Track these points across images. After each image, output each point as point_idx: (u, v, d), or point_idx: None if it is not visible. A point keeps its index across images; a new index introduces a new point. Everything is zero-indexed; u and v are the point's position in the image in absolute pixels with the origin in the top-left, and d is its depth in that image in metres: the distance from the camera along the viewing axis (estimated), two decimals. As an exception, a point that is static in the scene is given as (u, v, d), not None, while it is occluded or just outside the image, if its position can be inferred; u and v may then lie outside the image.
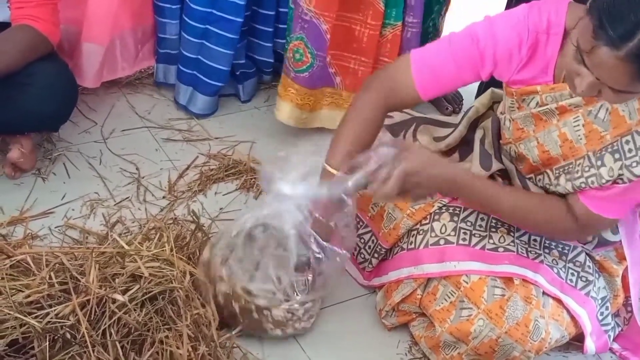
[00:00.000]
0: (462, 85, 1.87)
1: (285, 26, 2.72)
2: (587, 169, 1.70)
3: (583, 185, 1.71)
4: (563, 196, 1.81)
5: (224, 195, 2.41)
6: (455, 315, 1.86)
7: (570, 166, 1.75)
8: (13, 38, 2.15)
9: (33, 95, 2.18)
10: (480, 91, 2.73)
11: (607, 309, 1.97)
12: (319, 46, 2.49)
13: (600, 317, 1.96)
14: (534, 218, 1.80)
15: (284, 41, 2.80)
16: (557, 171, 1.79)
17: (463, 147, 2.12)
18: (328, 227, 1.87)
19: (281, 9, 2.77)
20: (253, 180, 2.47)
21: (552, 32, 1.70)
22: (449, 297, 1.89)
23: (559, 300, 1.87)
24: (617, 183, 1.66)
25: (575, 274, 1.90)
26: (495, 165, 1.98)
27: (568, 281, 1.89)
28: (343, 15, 2.51)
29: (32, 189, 2.29)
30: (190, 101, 2.76)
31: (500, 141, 1.98)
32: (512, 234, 1.91)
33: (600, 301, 1.94)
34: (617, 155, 1.65)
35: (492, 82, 1.93)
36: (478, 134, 2.06)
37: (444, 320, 1.87)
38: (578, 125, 1.71)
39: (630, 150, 1.63)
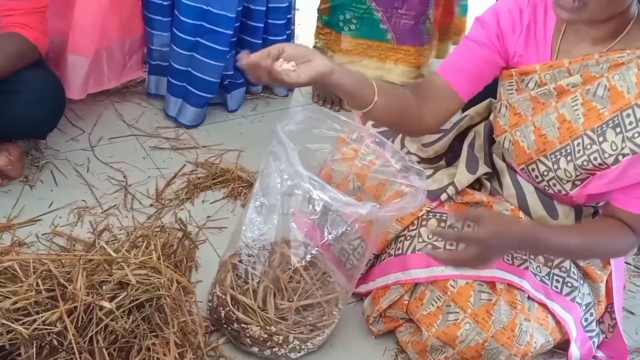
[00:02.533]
0: (490, 76, 1.89)
1: (275, 38, 2.79)
2: (588, 146, 1.71)
3: (585, 163, 1.73)
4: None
5: (211, 203, 2.42)
6: (442, 319, 1.87)
7: (568, 147, 1.76)
8: (1, 45, 2.15)
9: (21, 103, 2.18)
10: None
11: (591, 315, 1.98)
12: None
13: (585, 323, 1.97)
14: (602, 249, 1.83)
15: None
16: (552, 156, 1.80)
17: (449, 153, 2.15)
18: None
19: (270, 21, 2.78)
20: (240, 188, 2.48)
21: (549, 6, 1.76)
22: (436, 302, 1.89)
23: (544, 306, 1.89)
24: (619, 160, 1.67)
25: (561, 279, 1.91)
26: (482, 169, 2.00)
27: (553, 287, 1.90)
28: None
29: (19, 196, 2.30)
30: (180, 112, 2.78)
31: (494, 135, 1.99)
32: None
33: (584, 307, 1.95)
34: (618, 129, 1.66)
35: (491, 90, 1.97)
36: (468, 138, 2.08)
37: (431, 325, 1.88)
38: (576, 104, 1.73)
39: (630, 123, 1.64)
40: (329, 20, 2.95)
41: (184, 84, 2.74)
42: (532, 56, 1.81)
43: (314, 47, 3.06)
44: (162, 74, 2.85)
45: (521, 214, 1.94)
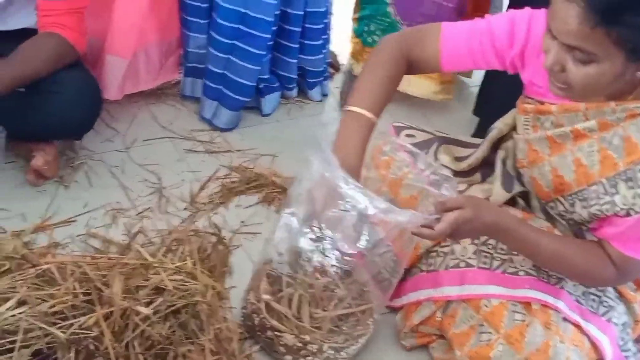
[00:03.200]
0: (484, 68, 1.89)
1: (312, 42, 2.75)
2: (601, 196, 1.68)
3: (598, 212, 1.69)
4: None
5: (245, 208, 2.41)
6: (474, 339, 1.84)
7: (585, 192, 1.72)
8: (41, 45, 2.15)
9: (58, 103, 2.19)
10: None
11: (627, 334, 1.95)
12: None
13: (621, 343, 1.93)
14: (574, 266, 1.77)
15: (308, 57, 2.83)
16: (570, 198, 1.77)
17: (484, 168, 2.11)
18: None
19: (307, 25, 2.77)
20: (275, 194, 2.47)
21: None
22: (469, 321, 1.87)
23: (579, 327, 1.85)
24: (630, 214, 1.64)
25: (597, 299, 1.88)
26: (517, 187, 1.97)
27: (589, 307, 1.87)
28: None
29: (54, 196, 2.30)
30: (215, 115, 2.77)
31: (516, 164, 1.96)
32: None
33: (621, 326, 1.92)
34: (630, 183, 1.62)
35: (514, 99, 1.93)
36: (500, 155, 2.05)
37: (463, 344, 1.86)
38: (592, 150, 1.69)
39: None
40: (357, 30, 2.93)
41: (220, 87, 2.74)
42: (548, 92, 1.74)
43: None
44: (197, 76, 2.84)
45: (557, 231, 1.90)
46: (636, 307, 1.95)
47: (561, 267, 1.79)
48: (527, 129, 1.84)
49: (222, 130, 2.77)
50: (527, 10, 1.78)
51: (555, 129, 1.75)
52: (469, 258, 1.90)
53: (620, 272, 1.74)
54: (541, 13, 1.73)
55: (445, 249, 1.95)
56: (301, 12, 2.74)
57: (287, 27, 2.76)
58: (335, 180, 1.70)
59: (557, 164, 1.77)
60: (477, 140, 2.20)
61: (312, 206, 1.83)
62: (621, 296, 1.94)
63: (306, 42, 2.82)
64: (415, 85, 2.97)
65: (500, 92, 2.77)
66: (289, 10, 2.73)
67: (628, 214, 1.64)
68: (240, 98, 2.73)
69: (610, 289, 1.90)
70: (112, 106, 2.71)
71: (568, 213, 1.80)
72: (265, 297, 1.89)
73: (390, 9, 2.73)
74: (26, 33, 2.21)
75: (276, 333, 1.86)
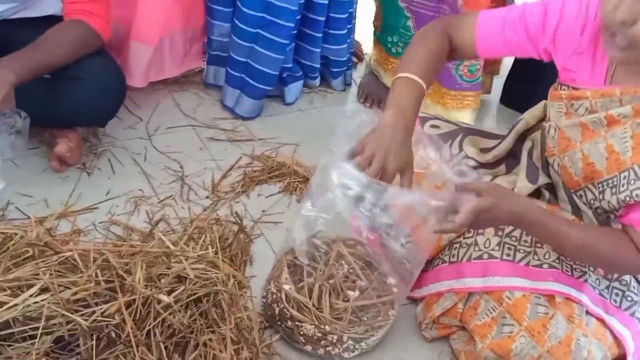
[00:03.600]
0: (520, 54, 1.88)
1: (336, 32, 2.78)
2: (632, 182, 1.67)
3: (628, 198, 1.68)
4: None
5: (266, 197, 2.41)
6: (496, 331, 1.83)
7: (615, 179, 1.71)
8: (66, 32, 2.16)
9: (83, 90, 2.19)
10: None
11: None
12: None
13: None
14: (600, 255, 1.75)
15: (332, 47, 2.81)
16: (600, 186, 1.76)
17: (510, 159, 2.11)
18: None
19: (331, 14, 2.76)
20: (296, 183, 2.47)
21: None
22: (491, 313, 1.86)
23: (602, 320, 1.84)
24: None
25: (620, 293, 1.87)
26: (542, 179, 1.96)
27: (612, 301, 1.86)
28: None
29: (77, 183, 2.31)
30: (237, 104, 2.77)
31: (545, 153, 1.95)
32: (558, 251, 1.88)
33: None
34: None
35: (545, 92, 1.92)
36: (526, 146, 2.04)
37: (485, 336, 1.85)
38: (626, 137, 1.68)
39: None
40: (379, 37, 2.90)
41: (242, 75, 2.73)
42: (584, 77, 1.75)
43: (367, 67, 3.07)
44: (220, 64, 2.84)
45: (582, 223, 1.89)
46: None
47: (587, 256, 1.78)
48: (560, 116, 1.83)
49: (245, 118, 2.77)
50: None
51: (589, 115, 1.74)
52: (492, 250, 1.89)
53: None
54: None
55: (469, 240, 1.94)
56: (326, 1, 2.73)
57: (312, 15, 2.75)
58: (341, 170, 1.71)
59: (589, 151, 1.76)
60: (501, 132, 2.19)
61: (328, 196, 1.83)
62: None
63: (330, 31, 2.80)
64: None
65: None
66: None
67: None
68: (263, 87, 2.72)
69: (634, 283, 1.89)
70: (135, 94, 2.71)
71: (597, 201, 1.79)
72: (286, 286, 1.89)
73: (409, 23, 2.70)
74: (52, 20, 2.21)
75: (296, 323, 1.86)
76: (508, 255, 1.87)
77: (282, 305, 1.88)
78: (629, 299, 1.87)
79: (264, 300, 1.96)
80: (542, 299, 1.82)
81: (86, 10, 2.18)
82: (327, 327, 1.84)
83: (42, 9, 2.26)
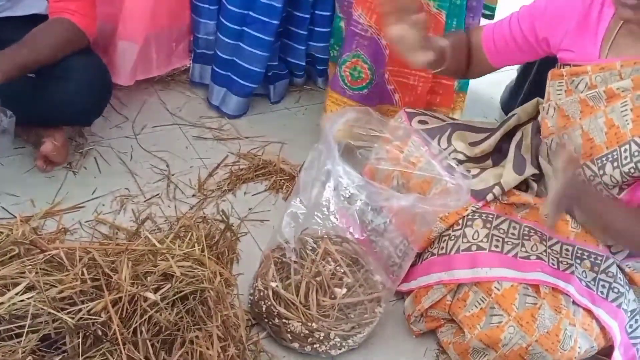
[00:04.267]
0: (530, 56, 1.97)
1: (321, 29, 2.74)
2: (635, 153, 1.69)
3: (632, 170, 1.71)
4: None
5: (253, 195, 2.41)
6: (485, 321, 1.85)
7: (615, 153, 1.73)
8: (50, 31, 2.15)
9: (68, 89, 2.19)
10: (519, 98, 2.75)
11: (636, 321, 1.95)
12: (378, 62, 2.49)
13: (629, 330, 1.94)
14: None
15: (317, 44, 2.80)
16: (599, 161, 1.78)
17: (496, 154, 2.13)
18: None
19: (317, 12, 2.76)
20: (282, 181, 2.47)
21: (606, 3, 1.73)
22: (480, 304, 1.88)
23: (589, 311, 1.86)
24: None
25: (607, 285, 1.89)
26: (529, 170, 1.98)
27: (599, 292, 1.88)
28: None
29: (63, 182, 2.30)
30: (223, 102, 2.77)
31: (541, 136, 1.97)
32: (544, 242, 1.90)
33: (630, 314, 1.92)
34: None
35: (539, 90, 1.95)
36: (515, 137, 2.06)
37: (474, 327, 1.86)
38: (626, 109, 1.70)
39: None
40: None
41: (228, 73, 2.73)
42: (580, 52, 1.79)
43: None
44: (206, 62, 2.84)
45: (568, 217, 1.90)
46: None
47: (633, 237, 1.78)
48: (560, 93, 1.85)
49: (231, 117, 2.77)
50: None
51: (589, 90, 1.76)
52: (481, 241, 1.91)
53: None
54: None
55: (457, 233, 1.96)
56: (310, -1, 2.73)
57: (296, 13, 2.75)
58: (337, 171, 1.71)
59: (588, 127, 1.78)
60: (488, 125, 2.22)
61: (318, 194, 1.84)
62: (632, 282, 1.94)
63: (315, 28, 2.80)
64: None
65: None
66: (298, -3, 2.73)
67: None
68: (249, 84, 2.72)
69: (620, 275, 1.90)
70: (122, 92, 2.71)
71: (597, 177, 1.80)
72: (273, 284, 1.89)
73: (342, 24, 2.70)
74: (37, 19, 2.21)
75: (283, 320, 1.86)
76: (496, 247, 1.89)
77: (269, 303, 1.88)
78: (615, 290, 1.89)
79: (251, 297, 1.96)
80: (530, 289, 1.84)
81: (71, 9, 2.17)
82: (314, 324, 1.85)
83: (27, 8, 2.26)
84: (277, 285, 1.89)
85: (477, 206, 1.97)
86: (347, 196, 1.79)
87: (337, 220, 1.91)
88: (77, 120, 2.37)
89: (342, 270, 1.95)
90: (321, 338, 1.86)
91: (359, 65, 2.49)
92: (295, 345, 1.88)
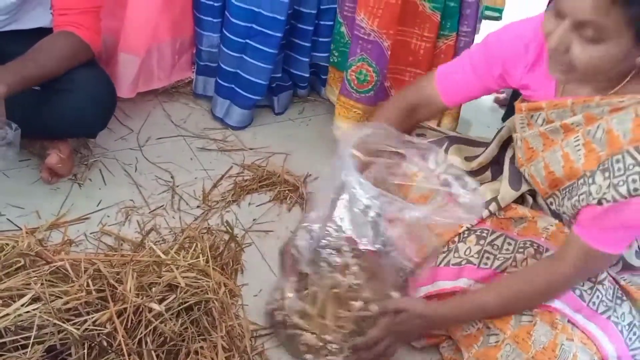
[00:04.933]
0: (486, 91, 1.96)
1: (325, 39, 2.76)
2: (581, 186, 1.69)
3: (577, 203, 1.70)
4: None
5: (257, 206, 2.41)
6: (482, 341, 1.84)
7: (574, 186, 1.73)
8: (55, 44, 2.16)
9: (73, 102, 2.19)
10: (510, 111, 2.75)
11: (634, 334, 1.93)
12: (382, 64, 2.52)
13: (629, 342, 1.92)
14: (529, 298, 1.78)
15: (321, 54, 2.82)
16: (562, 193, 1.78)
17: (494, 166, 2.11)
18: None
19: (321, 22, 2.77)
20: (287, 192, 2.48)
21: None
22: (476, 324, 1.87)
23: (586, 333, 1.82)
24: (601, 203, 1.62)
25: (600, 296, 1.87)
26: (525, 186, 1.97)
27: (591, 304, 1.84)
28: (401, 30, 2.55)
29: (68, 194, 2.31)
30: (227, 114, 2.78)
31: (516, 164, 1.96)
32: (538, 255, 1.89)
33: (627, 326, 1.90)
34: (606, 174, 1.62)
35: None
36: (509, 153, 2.06)
37: (471, 346, 1.85)
38: (578, 144, 1.70)
39: (619, 169, 1.60)
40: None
41: (232, 85, 2.75)
42: (539, 91, 1.80)
43: None
44: (209, 74, 2.86)
45: (566, 229, 1.89)
46: None
47: (518, 308, 1.81)
48: (523, 127, 1.86)
49: (234, 128, 2.78)
50: (495, 30, 1.87)
51: (547, 124, 1.77)
52: (472, 257, 1.89)
53: (577, 267, 1.73)
54: (507, 26, 1.86)
55: (451, 246, 1.95)
56: (314, 11, 2.74)
57: (300, 25, 2.77)
58: (351, 182, 1.72)
59: (549, 159, 1.78)
60: (487, 139, 2.20)
61: (331, 208, 1.84)
62: (626, 295, 1.93)
63: (320, 39, 2.81)
64: None
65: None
66: (302, 9, 2.73)
67: (600, 203, 1.63)
68: (252, 97, 2.74)
69: (616, 287, 1.89)
70: (126, 104, 2.72)
71: (562, 207, 1.80)
72: (290, 294, 1.89)
73: (343, 29, 2.71)
74: (42, 32, 2.22)
75: (297, 331, 1.86)
76: (485, 264, 1.88)
77: (285, 313, 1.88)
78: (604, 304, 1.86)
79: (268, 307, 1.96)
80: None
81: (76, 22, 2.18)
82: (328, 336, 1.84)
83: (32, 21, 2.27)
84: (293, 296, 1.88)
85: (472, 223, 1.95)
86: (361, 208, 1.79)
87: (351, 232, 1.90)
88: (82, 132, 2.38)
89: (360, 284, 1.93)
90: (334, 350, 1.85)
91: (364, 68, 2.52)
92: (309, 356, 1.87)
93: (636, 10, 1.43)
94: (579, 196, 1.69)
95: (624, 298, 1.91)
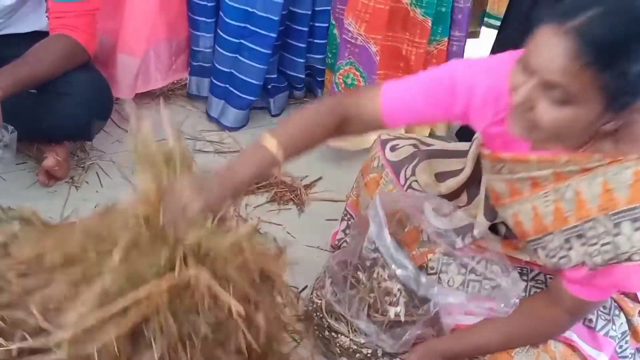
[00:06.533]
0: (430, 121, 1.87)
1: (320, 41, 2.75)
2: (558, 250, 1.62)
3: (557, 266, 1.64)
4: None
5: (254, 207, 2.42)
6: None
7: (542, 241, 1.66)
8: (52, 47, 2.17)
9: (69, 105, 2.20)
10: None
11: (626, 342, 1.90)
12: (370, 69, 2.51)
13: (619, 350, 1.89)
14: (526, 338, 1.77)
15: (317, 56, 2.82)
16: (531, 244, 1.71)
17: (471, 186, 2.02)
18: None
19: (316, 24, 2.78)
20: (283, 193, 2.48)
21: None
22: None
23: (569, 344, 1.79)
24: (584, 265, 1.58)
25: (596, 312, 1.82)
26: (499, 217, 1.90)
27: (587, 321, 1.81)
28: (391, 35, 2.55)
29: (66, 197, 2.31)
30: (222, 114, 2.79)
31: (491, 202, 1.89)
32: (524, 277, 1.86)
33: (620, 336, 1.85)
34: (582, 240, 1.56)
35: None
36: (484, 180, 1.94)
37: None
38: (548, 201, 1.61)
39: (592, 238, 1.54)
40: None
41: (227, 85, 2.75)
42: (505, 143, 1.68)
43: None
44: (203, 75, 2.87)
45: (540, 261, 1.85)
46: (636, 319, 1.91)
47: (518, 344, 1.78)
48: (488, 171, 1.78)
49: (230, 129, 2.78)
50: (464, 63, 1.73)
51: (513, 174, 1.67)
52: (457, 289, 1.87)
53: (573, 314, 1.70)
54: (480, 64, 1.68)
55: (433, 278, 1.90)
56: (308, 12, 2.75)
57: (295, 26, 2.77)
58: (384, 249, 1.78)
59: (517, 209, 1.70)
60: (464, 146, 2.09)
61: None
62: (621, 309, 1.91)
63: (315, 40, 2.82)
64: None
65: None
66: (296, 10, 2.74)
67: (583, 265, 1.59)
68: (247, 97, 2.74)
69: (610, 300, 1.87)
70: (122, 107, 2.72)
71: (535, 256, 1.75)
72: (327, 297, 1.89)
73: (335, 31, 2.72)
74: (38, 36, 2.22)
75: (332, 334, 1.87)
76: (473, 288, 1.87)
77: (321, 315, 1.89)
78: (603, 317, 1.83)
79: (306, 308, 1.97)
80: None
81: (71, 25, 2.19)
82: (361, 339, 1.84)
83: (28, 25, 2.28)
84: (330, 299, 1.89)
85: (445, 250, 1.92)
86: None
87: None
88: (79, 135, 2.38)
89: (397, 288, 1.93)
90: (368, 354, 1.85)
91: (351, 72, 2.53)
92: (343, 359, 1.88)
93: (609, 76, 1.34)
94: (558, 259, 1.63)
95: (618, 312, 1.86)
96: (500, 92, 1.59)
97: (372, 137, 2.56)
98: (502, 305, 1.76)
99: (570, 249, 1.59)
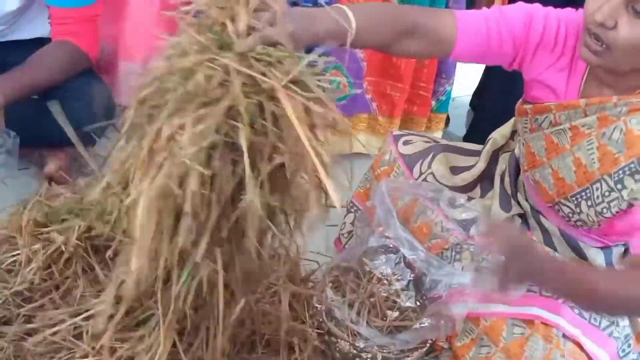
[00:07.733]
0: (494, 55, 1.73)
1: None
2: (607, 193, 1.64)
3: (605, 210, 1.66)
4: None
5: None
6: (474, 351, 1.84)
7: (588, 191, 1.69)
8: (53, 53, 2.18)
9: (71, 111, 2.20)
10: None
11: (629, 346, 1.90)
12: (355, 73, 2.51)
13: (622, 354, 1.89)
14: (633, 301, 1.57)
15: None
16: (573, 199, 1.74)
17: (485, 181, 2.08)
18: None
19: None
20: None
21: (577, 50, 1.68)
22: (469, 334, 1.87)
23: (577, 342, 1.80)
24: (632, 205, 1.61)
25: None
26: (515, 208, 1.95)
27: (592, 320, 1.82)
28: None
29: (67, 203, 2.31)
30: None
31: (522, 171, 1.93)
32: None
33: (623, 338, 1.87)
34: (637, 176, 1.58)
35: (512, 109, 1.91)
36: (499, 170, 2.03)
37: (463, 356, 1.86)
38: (592, 148, 1.65)
39: None
40: None
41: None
42: (555, 92, 1.73)
43: None
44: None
45: (557, 254, 1.88)
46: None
47: (620, 302, 1.58)
48: (526, 130, 1.81)
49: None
50: (539, 6, 1.73)
51: (553, 127, 1.72)
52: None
53: None
54: (555, 11, 1.71)
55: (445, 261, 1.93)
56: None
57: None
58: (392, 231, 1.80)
59: (558, 165, 1.74)
60: (478, 147, 2.16)
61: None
62: None
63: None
64: None
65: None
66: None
67: (630, 205, 1.61)
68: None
69: None
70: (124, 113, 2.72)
71: (575, 214, 1.76)
72: (326, 301, 1.90)
73: None
74: (40, 42, 2.24)
75: (332, 339, 1.87)
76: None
77: (321, 320, 1.89)
78: (607, 318, 1.83)
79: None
80: (519, 319, 1.81)
81: (74, 32, 2.20)
82: (361, 344, 1.85)
83: (30, 31, 2.29)
84: (330, 303, 1.90)
85: (458, 239, 1.93)
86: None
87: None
88: (80, 141, 2.38)
89: (397, 294, 1.94)
90: (368, 359, 1.86)
91: (338, 76, 2.50)
92: None
93: None
94: (607, 203, 1.64)
95: None
96: (568, 34, 1.67)
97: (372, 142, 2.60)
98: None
99: (622, 189, 1.60)
